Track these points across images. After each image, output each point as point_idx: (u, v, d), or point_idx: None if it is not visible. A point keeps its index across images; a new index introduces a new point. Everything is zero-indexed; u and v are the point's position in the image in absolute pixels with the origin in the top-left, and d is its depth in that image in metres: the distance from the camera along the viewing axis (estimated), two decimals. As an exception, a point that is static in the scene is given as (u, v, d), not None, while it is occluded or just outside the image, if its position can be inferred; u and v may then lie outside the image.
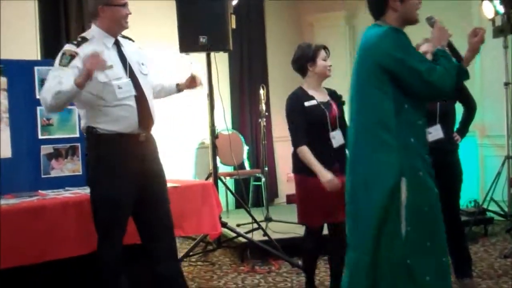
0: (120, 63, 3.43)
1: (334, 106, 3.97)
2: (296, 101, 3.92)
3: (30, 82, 4.34)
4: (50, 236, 3.65)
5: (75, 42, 3.42)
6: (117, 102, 3.35)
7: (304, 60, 3.98)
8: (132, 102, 3.39)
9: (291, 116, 3.94)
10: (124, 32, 3.61)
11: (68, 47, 3.39)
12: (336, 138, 3.90)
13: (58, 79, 3.22)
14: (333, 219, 3.90)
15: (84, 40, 3.41)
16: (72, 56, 3.30)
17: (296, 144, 3.88)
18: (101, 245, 3.44)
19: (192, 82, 3.86)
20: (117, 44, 3.49)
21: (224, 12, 5.05)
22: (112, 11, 3.41)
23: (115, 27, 3.46)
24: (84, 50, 3.32)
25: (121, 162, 3.37)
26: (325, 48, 4.02)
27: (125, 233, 3.46)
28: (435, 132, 4.13)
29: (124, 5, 3.46)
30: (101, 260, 3.45)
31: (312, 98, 3.92)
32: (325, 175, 3.73)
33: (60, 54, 3.37)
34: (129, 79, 3.40)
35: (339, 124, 3.94)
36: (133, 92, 3.39)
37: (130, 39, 3.68)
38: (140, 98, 3.42)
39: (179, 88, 3.91)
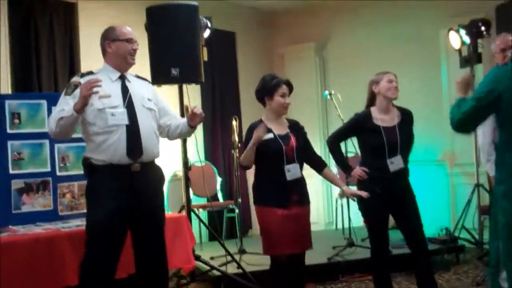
0: (120, 94, 3.56)
1: (293, 139, 3.96)
2: (252, 133, 3.89)
3: (0, 116, 4.30)
4: (21, 271, 3.59)
5: (80, 74, 3.62)
6: (107, 129, 3.45)
7: (263, 93, 3.97)
8: (123, 131, 3.47)
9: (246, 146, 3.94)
10: None
11: (73, 78, 3.59)
12: (291, 171, 3.89)
13: (61, 107, 3.42)
14: (299, 249, 3.92)
15: (90, 73, 3.59)
16: (76, 86, 3.46)
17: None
18: (84, 260, 3.42)
19: (194, 118, 3.78)
20: (122, 78, 3.64)
21: (195, 44, 5.07)
22: (117, 47, 3.61)
23: (121, 62, 3.64)
24: (88, 79, 3.46)
25: (108, 192, 3.43)
26: (288, 84, 3.99)
27: (115, 261, 3.46)
28: (396, 162, 4.21)
29: (129, 40, 3.63)
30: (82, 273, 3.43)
31: (269, 130, 3.91)
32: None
33: (67, 85, 3.56)
34: (125, 109, 3.51)
35: (297, 157, 3.94)
36: (126, 122, 3.48)
37: (148, 81, 3.89)
38: (132, 128, 3.50)
39: (190, 125, 3.82)
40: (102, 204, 3.42)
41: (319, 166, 4.11)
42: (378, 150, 4.19)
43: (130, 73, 3.75)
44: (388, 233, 4.33)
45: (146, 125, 3.60)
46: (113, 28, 3.67)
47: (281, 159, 3.87)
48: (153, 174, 3.66)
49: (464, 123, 3.07)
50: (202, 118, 3.80)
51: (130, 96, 3.57)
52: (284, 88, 3.95)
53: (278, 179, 3.87)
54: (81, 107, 3.33)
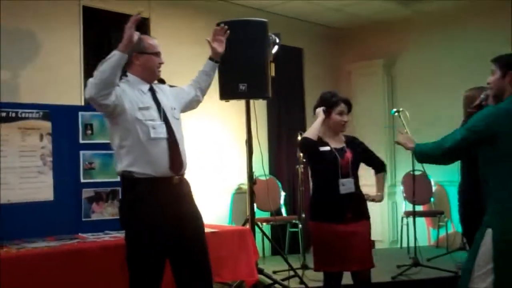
0: (155, 107, 3.50)
1: (349, 153, 3.99)
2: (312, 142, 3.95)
3: (74, 127, 4.44)
4: (89, 279, 3.68)
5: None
6: (150, 142, 3.38)
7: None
8: (164, 145, 3.43)
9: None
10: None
11: None
12: (346, 185, 3.91)
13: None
14: (349, 267, 3.88)
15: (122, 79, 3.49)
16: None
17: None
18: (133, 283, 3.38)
19: (216, 44, 3.88)
20: (151, 90, 3.57)
21: (264, 60, 5.12)
22: (145, 59, 3.53)
23: (148, 74, 3.56)
24: (122, 85, 3.40)
25: (156, 205, 3.37)
26: (346, 102, 4.04)
27: (161, 279, 3.42)
28: None
29: (157, 54, 3.58)
30: None
31: (326, 144, 3.97)
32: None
33: None
34: (163, 122, 3.47)
35: (352, 172, 3.96)
36: (165, 135, 3.44)
37: (161, 80, 3.76)
38: (172, 142, 3.46)
39: (214, 59, 3.91)
40: (150, 219, 3.34)
41: (377, 168, 4.21)
42: None
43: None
44: None
45: (180, 137, 3.56)
46: (141, 39, 3.51)
47: (336, 172, 3.89)
48: (186, 185, 3.58)
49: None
50: (226, 35, 3.88)
51: (163, 109, 3.52)
52: (342, 106, 4.00)
53: (332, 194, 3.89)
54: (126, 45, 3.25)
